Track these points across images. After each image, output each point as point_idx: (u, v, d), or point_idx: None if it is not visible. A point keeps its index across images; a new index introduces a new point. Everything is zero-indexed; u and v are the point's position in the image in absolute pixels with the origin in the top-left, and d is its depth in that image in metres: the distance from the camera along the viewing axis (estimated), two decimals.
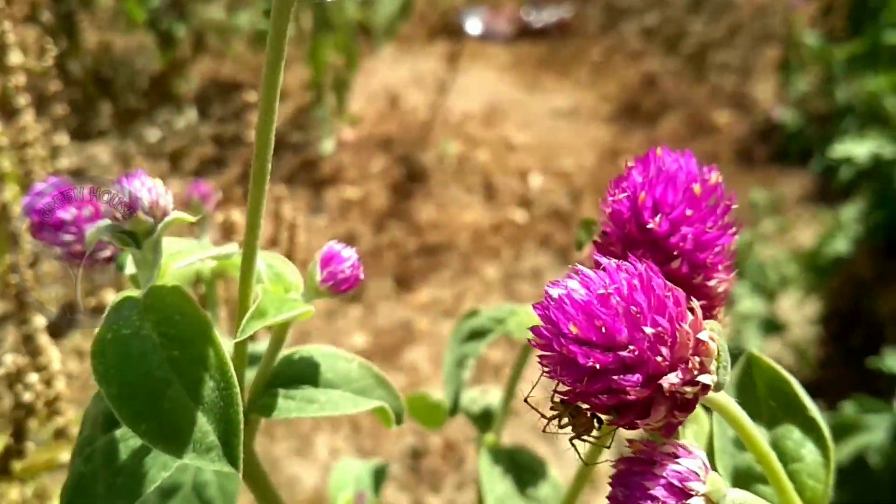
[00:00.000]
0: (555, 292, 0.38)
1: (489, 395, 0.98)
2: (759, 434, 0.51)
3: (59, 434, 1.00)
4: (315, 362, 0.58)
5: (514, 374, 0.89)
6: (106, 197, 0.50)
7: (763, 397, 0.53)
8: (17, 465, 0.94)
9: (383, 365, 2.59)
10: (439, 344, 2.67)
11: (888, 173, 1.86)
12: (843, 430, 1.33)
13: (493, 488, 0.84)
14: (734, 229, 0.46)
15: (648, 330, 0.36)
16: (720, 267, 0.45)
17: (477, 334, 0.91)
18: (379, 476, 1.08)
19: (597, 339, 0.36)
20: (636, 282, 0.37)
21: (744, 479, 0.52)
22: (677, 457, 0.38)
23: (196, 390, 0.47)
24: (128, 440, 0.51)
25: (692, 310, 0.38)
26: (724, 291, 0.46)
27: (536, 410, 0.39)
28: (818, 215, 2.81)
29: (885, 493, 1.27)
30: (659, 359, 0.36)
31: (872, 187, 1.81)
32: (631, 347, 0.36)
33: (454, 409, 0.88)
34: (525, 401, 0.40)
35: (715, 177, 0.44)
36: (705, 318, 0.47)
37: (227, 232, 1.60)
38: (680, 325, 0.36)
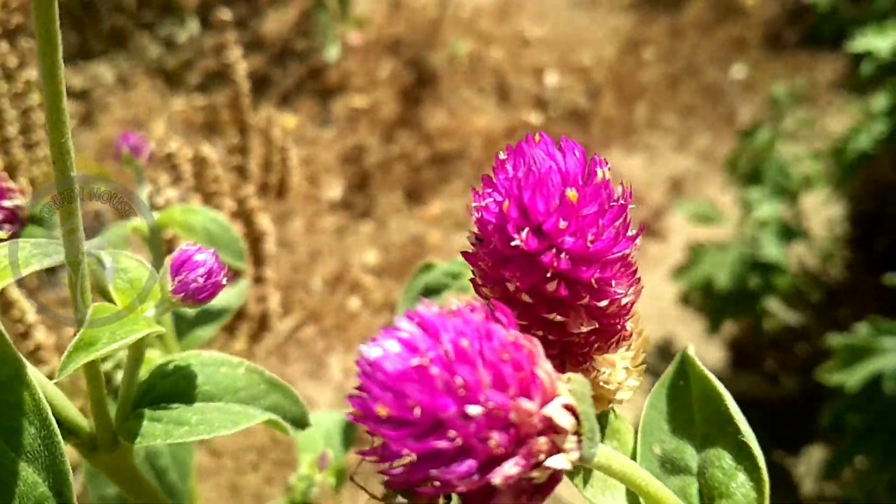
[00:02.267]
0: (372, 353, 0.29)
1: None
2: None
3: None
4: (191, 374, 0.51)
5: None
6: None
7: (697, 403, 0.45)
8: None
9: (395, 283, 2.54)
10: (452, 258, 2.60)
11: None
12: (856, 354, 1.24)
13: None
14: (634, 231, 0.36)
15: (473, 410, 0.28)
16: (614, 283, 0.36)
17: (431, 291, 0.83)
18: (349, 429, 1.03)
19: (413, 419, 0.28)
20: (465, 343, 0.28)
21: None
22: None
23: (15, 439, 0.41)
24: None
25: (545, 372, 0.30)
26: (628, 305, 0.37)
27: (365, 490, 0.32)
28: (850, 104, 2.62)
29: None
30: (492, 444, 0.28)
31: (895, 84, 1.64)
32: (452, 434, 0.28)
33: None
34: (351, 479, 0.33)
35: (602, 172, 0.34)
36: (603, 348, 0.39)
37: (200, 167, 1.51)
38: (517, 403, 0.28)
